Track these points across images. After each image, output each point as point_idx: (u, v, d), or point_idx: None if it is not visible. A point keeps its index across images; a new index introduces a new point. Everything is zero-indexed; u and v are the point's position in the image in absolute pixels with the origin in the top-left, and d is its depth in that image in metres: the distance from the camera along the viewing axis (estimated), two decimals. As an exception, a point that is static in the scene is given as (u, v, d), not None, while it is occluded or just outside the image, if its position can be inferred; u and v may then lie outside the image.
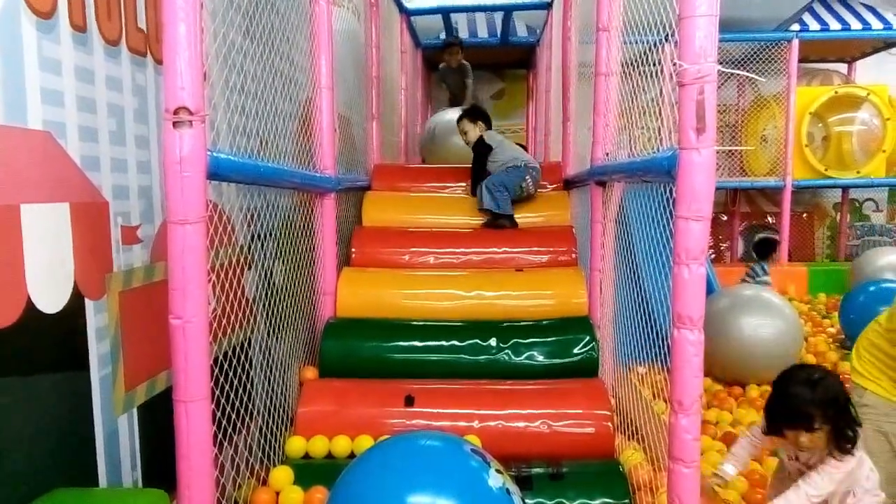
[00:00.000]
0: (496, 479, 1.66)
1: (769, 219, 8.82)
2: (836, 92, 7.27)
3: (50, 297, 1.60)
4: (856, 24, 7.38)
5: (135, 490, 1.89)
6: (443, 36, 7.12)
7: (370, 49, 4.58)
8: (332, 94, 3.09)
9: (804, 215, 8.90)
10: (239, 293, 2.45)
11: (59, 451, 1.64)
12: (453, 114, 5.77)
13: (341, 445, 2.60)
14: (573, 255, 3.60)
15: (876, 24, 7.37)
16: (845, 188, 8.09)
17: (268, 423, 2.60)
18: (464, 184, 4.15)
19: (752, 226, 8.94)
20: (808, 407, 2.02)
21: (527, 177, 3.78)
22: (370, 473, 1.70)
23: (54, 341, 1.63)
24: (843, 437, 2.06)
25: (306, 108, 3.10)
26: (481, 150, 3.98)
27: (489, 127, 4.14)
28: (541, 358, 2.97)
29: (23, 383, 1.53)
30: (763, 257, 5.65)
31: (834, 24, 7.40)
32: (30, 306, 1.54)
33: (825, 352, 5.01)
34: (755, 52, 7.31)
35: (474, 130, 4.07)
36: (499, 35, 7.34)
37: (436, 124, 5.80)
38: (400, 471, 1.66)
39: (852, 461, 2.08)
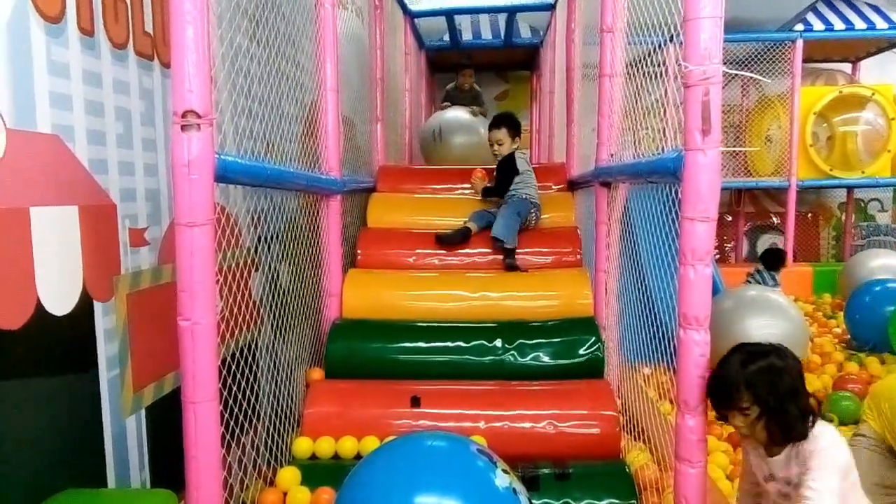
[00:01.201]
0: (503, 479, 1.67)
1: (774, 219, 8.81)
2: (840, 92, 7.26)
3: (59, 300, 1.62)
4: (860, 24, 7.36)
5: (143, 491, 1.91)
6: (446, 37, 7.13)
7: (375, 51, 4.59)
8: (337, 96, 3.10)
9: (809, 215, 8.88)
10: (246, 295, 2.46)
11: (69, 451, 1.65)
12: (455, 112, 5.76)
13: (348, 446, 2.61)
14: (578, 256, 3.61)
15: (881, 24, 7.34)
16: (850, 188, 8.07)
17: (275, 423, 2.62)
18: (469, 185, 4.12)
19: (756, 226, 8.93)
20: (736, 383, 1.77)
21: (533, 210, 3.72)
22: (377, 474, 1.71)
23: (63, 343, 1.64)
24: (780, 424, 1.76)
25: (312, 111, 3.11)
26: (510, 169, 3.77)
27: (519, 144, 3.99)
28: (546, 359, 2.97)
29: (32, 385, 1.54)
30: (772, 267, 5.62)
31: (838, 24, 7.38)
32: (39, 308, 1.55)
33: (831, 352, 4.99)
34: (759, 53, 7.30)
35: (510, 145, 3.84)
36: (502, 36, 7.35)
37: (439, 124, 5.64)
38: (407, 471, 1.66)
39: (830, 436, 1.76)
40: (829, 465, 1.73)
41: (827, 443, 1.76)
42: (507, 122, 3.90)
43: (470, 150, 5.33)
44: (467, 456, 1.72)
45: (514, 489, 1.67)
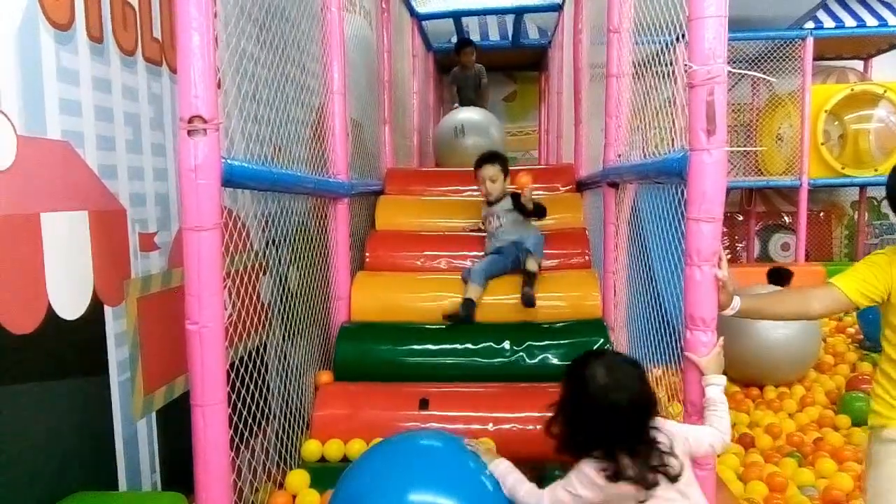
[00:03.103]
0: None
1: (785, 218, 8.74)
2: (852, 89, 7.20)
3: (70, 304, 1.63)
4: (871, 21, 7.30)
5: (154, 493, 1.92)
6: (454, 39, 7.14)
7: (382, 54, 4.60)
8: (344, 99, 3.11)
9: (821, 214, 8.81)
10: (254, 298, 2.47)
11: (80, 454, 1.66)
12: (470, 113, 5.73)
13: (356, 449, 2.61)
14: (586, 257, 3.60)
15: (892, 21, 7.27)
16: (863, 186, 7.99)
17: (284, 426, 2.63)
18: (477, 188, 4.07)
19: (768, 225, 8.87)
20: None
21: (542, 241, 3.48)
22: (371, 472, 1.73)
23: (74, 347, 1.65)
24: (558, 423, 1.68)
25: (319, 114, 3.13)
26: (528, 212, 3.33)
27: None
28: (555, 360, 2.96)
29: (44, 388, 1.55)
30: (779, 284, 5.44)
31: (849, 21, 7.32)
32: (50, 313, 1.57)
33: (844, 352, 4.95)
34: (770, 51, 7.24)
35: (503, 183, 3.42)
36: (510, 37, 7.35)
37: (461, 122, 5.46)
38: (400, 469, 1.68)
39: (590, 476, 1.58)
40: (571, 481, 1.61)
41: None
42: (501, 159, 3.49)
43: (490, 145, 5.26)
44: (460, 454, 1.75)
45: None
